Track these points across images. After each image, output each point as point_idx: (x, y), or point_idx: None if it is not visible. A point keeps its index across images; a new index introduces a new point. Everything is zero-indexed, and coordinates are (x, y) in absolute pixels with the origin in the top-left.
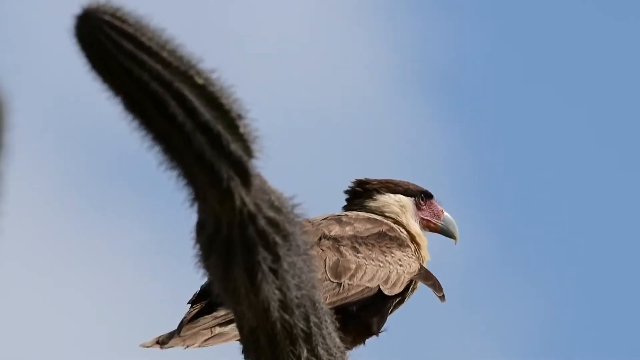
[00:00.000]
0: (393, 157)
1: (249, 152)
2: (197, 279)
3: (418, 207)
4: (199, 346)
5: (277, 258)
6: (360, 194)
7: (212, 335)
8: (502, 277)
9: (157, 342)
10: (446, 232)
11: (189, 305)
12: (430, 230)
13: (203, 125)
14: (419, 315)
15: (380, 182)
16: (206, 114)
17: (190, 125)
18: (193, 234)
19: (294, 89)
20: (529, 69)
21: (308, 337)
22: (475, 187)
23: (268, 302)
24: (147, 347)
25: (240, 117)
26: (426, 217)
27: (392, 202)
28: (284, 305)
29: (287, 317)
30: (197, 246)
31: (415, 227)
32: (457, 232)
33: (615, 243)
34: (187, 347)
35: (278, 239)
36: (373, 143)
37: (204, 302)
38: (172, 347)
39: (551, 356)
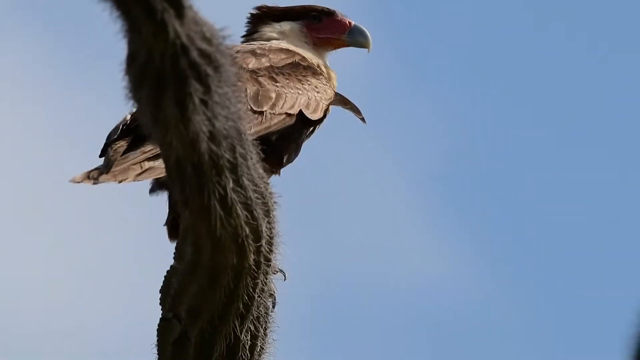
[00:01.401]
0: None
1: None
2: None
3: (311, 28)
4: (133, 181)
5: (208, 90)
6: (253, 25)
7: (143, 170)
8: (403, 94)
9: (88, 177)
10: (355, 44)
11: (112, 141)
12: (338, 47)
13: None
14: (324, 143)
15: (266, 10)
16: None
17: None
18: (123, 66)
19: None
20: None
21: (234, 168)
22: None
23: (197, 133)
24: (78, 182)
25: None
26: (325, 36)
27: (269, 30)
28: (212, 136)
29: (214, 148)
30: (127, 78)
31: (304, 52)
32: (368, 41)
33: (515, 57)
34: (120, 182)
35: (209, 71)
36: None
37: (128, 138)
38: (103, 182)
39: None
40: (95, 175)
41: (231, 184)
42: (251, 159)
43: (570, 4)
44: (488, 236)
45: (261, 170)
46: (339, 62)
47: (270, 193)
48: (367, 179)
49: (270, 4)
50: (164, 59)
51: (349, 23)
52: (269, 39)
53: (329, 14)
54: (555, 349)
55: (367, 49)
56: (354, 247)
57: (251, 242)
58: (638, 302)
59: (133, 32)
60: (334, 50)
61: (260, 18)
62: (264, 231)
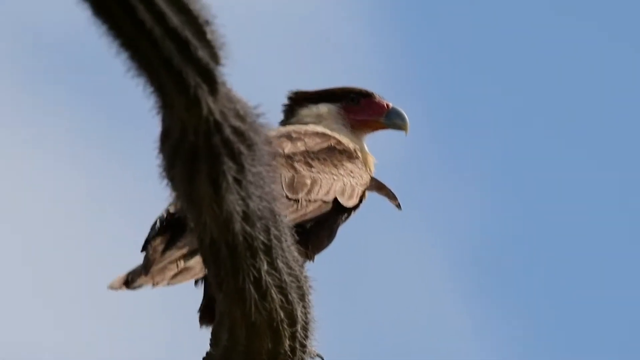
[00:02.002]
0: (324, 50)
1: (216, 59)
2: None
3: (348, 110)
4: (168, 284)
5: (241, 168)
6: (290, 109)
7: (179, 270)
8: (439, 175)
9: (125, 283)
10: (393, 126)
11: (150, 239)
12: (376, 129)
13: (171, 31)
14: (361, 223)
15: (303, 93)
16: (174, 19)
17: (158, 30)
18: (157, 143)
19: None
20: None
21: (268, 250)
22: (410, 81)
23: (231, 213)
24: (116, 289)
25: (208, 22)
26: (362, 118)
27: (307, 113)
28: (246, 217)
29: (248, 228)
30: (161, 156)
31: (343, 138)
32: (405, 123)
33: (555, 143)
34: (156, 285)
35: (243, 149)
36: (301, 36)
37: (166, 235)
38: (141, 286)
39: (490, 260)
40: (133, 279)
41: (265, 267)
42: (285, 241)
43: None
44: (524, 317)
45: (296, 254)
46: (377, 144)
47: (305, 277)
48: (404, 261)
49: (306, 88)
50: (197, 135)
51: (387, 105)
52: (306, 122)
53: (366, 95)
54: None
55: (404, 132)
56: (392, 328)
57: (286, 326)
58: None
59: (166, 108)
60: (372, 133)
61: (297, 101)
62: (299, 316)
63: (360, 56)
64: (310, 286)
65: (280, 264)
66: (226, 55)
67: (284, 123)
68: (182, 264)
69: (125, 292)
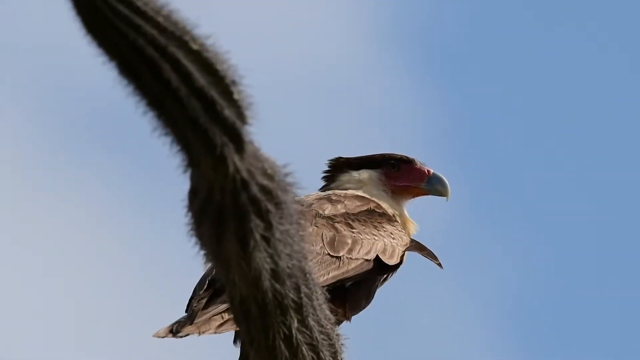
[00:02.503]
0: (366, 115)
1: (242, 119)
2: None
3: (389, 176)
4: (214, 332)
5: (269, 226)
6: (330, 174)
7: (224, 320)
8: (478, 240)
9: (171, 332)
10: (434, 192)
11: (195, 290)
12: (417, 195)
13: (197, 90)
14: (398, 288)
15: (343, 160)
16: (201, 79)
17: (184, 90)
18: (185, 202)
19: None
20: (508, 26)
21: (299, 308)
22: (449, 146)
23: (259, 270)
24: (162, 337)
25: (234, 83)
26: (403, 184)
27: (347, 179)
28: (275, 275)
29: (278, 286)
30: (189, 214)
31: (383, 203)
32: (447, 189)
33: (591, 204)
34: (202, 334)
35: (270, 207)
36: (351, 103)
37: (212, 289)
38: (186, 335)
39: (528, 320)
40: (178, 329)
41: (296, 324)
42: (317, 299)
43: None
44: None
45: (328, 312)
46: (418, 209)
47: (338, 335)
48: (443, 321)
49: (346, 154)
50: (224, 193)
51: (428, 171)
52: (346, 188)
53: (407, 162)
54: None
55: (445, 197)
56: None
57: None
58: None
59: (193, 167)
60: (413, 199)
61: (338, 167)
62: None
63: (396, 115)
64: (342, 344)
65: (312, 322)
66: (253, 115)
67: (324, 189)
68: (226, 315)
69: (171, 342)
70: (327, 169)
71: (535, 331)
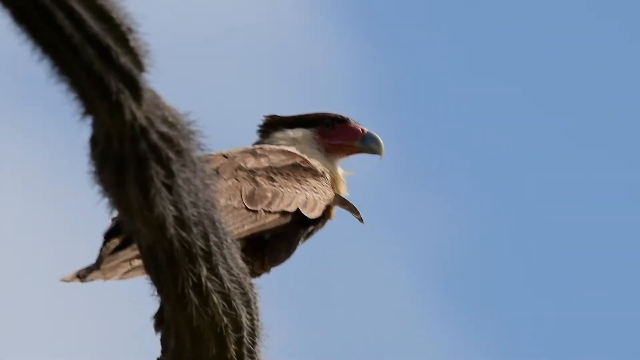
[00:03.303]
0: (297, 72)
1: (139, 66)
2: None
3: (324, 134)
4: (120, 278)
5: (170, 173)
6: (264, 131)
7: (132, 267)
8: (412, 193)
9: (78, 277)
10: (368, 150)
11: (105, 237)
12: (351, 154)
13: (91, 37)
14: (331, 242)
15: (278, 117)
16: (95, 26)
17: (78, 37)
18: (87, 149)
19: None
20: None
21: (208, 256)
22: (381, 101)
23: (163, 218)
24: (68, 281)
25: (130, 30)
26: (337, 143)
27: (282, 136)
28: (181, 222)
29: (184, 234)
30: (91, 161)
31: (314, 161)
32: (380, 147)
33: (528, 154)
34: (108, 280)
35: (171, 155)
36: (277, 58)
37: (121, 236)
38: (92, 280)
39: (465, 270)
40: (84, 274)
41: (205, 272)
42: (227, 248)
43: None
44: (495, 327)
45: (240, 261)
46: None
47: (251, 284)
48: (373, 273)
49: (282, 113)
50: (122, 141)
51: (362, 130)
52: (279, 145)
53: (341, 121)
54: None
55: (379, 156)
56: (360, 339)
57: (231, 332)
58: None
59: (90, 114)
60: (347, 157)
61: (273, 125)
62: (244, 322)
63: (328, 72)
64: (256, 294)
65: (222, 271)
66: (151, 63)
67: (257, 144)
68: (135, 262)
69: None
70: (262, 125)
71: (462, 279)
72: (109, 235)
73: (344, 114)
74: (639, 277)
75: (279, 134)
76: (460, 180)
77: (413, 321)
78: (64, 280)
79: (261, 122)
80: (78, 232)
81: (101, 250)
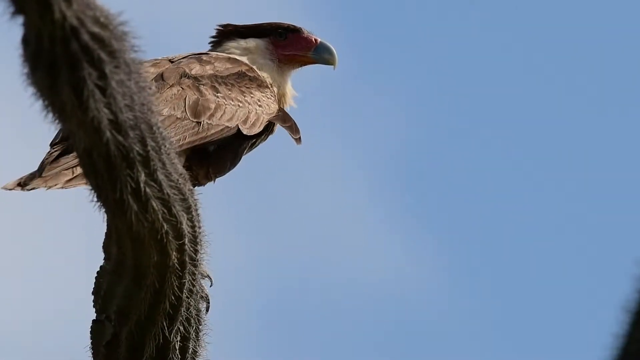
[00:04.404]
0: None
1: None
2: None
3: (277, 45)
4: (62, 187)
5: (103, 75)
6: (216, 40)
7: (74, 175)
8: (358, 91)
9: (19, 184)
10: (321, 61)
11: (50, 146)
12: (304, 64)
13: None
14: (279, 152)
15: (232, 27)
16: None
17: None
18: (19, 50)
19: None
20: None
21: (146, 161)
22: (332, 12)
23: (98, 120)
24: (9, 189)
25: None
26: (290, 53)
27: (234, 46)
28: (116, 126)
29: (120, 138)
30: (24, 63)
31: (265, 71)
32: (334, 58)
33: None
34: (49, 188)
35: (104, 56)
36: None
37: (64, 144)
38: (34, 188)
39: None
40: (26, 182)
41: (144, 177)
42: (167, 154)
43: None
44: (446, 229)
45: (179, 167)
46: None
47: (191, 190)
48: (325, 175)
49: (236, 22)
50: (53, 42)
51: (315, 40)
52: (225, 51)
53: (294, 31)
54: (510, 347)
55: (333, 66)
56: (313, 242)
57: (172, 239)
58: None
59: (20, 14)
60: (300, 68)
61: (226, 35)
62: (185, 229)
63: None
64: (197, 200)
65: (161, 176)
66: None
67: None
68: (76, 170)
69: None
70: (215, 35)
71: (413, 179)
72: (54, 144)
73: (297, 24)
74: None
75: (231, 44)
76: (411, 81)
77: (366, 223)
78: (4, 188)
79: (214, 32)
80: (21, 138)
81: (44, 157)
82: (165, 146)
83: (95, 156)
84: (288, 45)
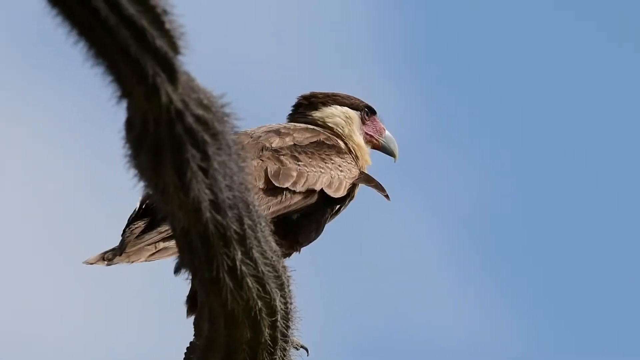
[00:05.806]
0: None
1: (175, 49)
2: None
3: (363, 121)
4: (145, 261)
5: (206, 156)
6: (306, 106)
7: (157, 250)
8: (435, 151)
9: (102, 259)
10: (387, 150)
11: (131, 221)
12: (372, 147)
13: (127, 19)
14: (360, 213)
15: (327, 95)
16: (130, 8)
17: (113, 19)
18: (122, 133)
19: None
20: None
21: (242, 240)
22: (404, 54)
23: (199, 201)
24: (91, 264)
25: (165, 12)
26: (369, 132)
27: (338, 113)
28: (216, 206)
29: (219, 218)
30: (127, 145)
31: (359, 139)
32: (397, 150)
33: (552, 109)
34: (132, 262)
35: (207, 137)
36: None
37: (146, 219)
38: (117, 264)
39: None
40: (109, 257)
41: (240, 256)
42: (261, 231)
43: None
44: (524, 290)
45: (273, 244)
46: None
47: (284, 267)
48: (403, 237)
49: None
50: (158, 124)
51: (383, 129)
52: (332, 120)
53: (374, 112)
54: None
55: (395, 158)
56: (390, 301)
57: (265, 316)
58: None
59: (126, 97)
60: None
61: (322, 101)
62: (278, 305)
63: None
64: (289, 276)
65: (256, 254)
66: (186, 45)
67: (301, 117)
68: (160, 245)
69: (104, 269)
70: (304, 100)
71: (491, 240)
72: (133, 219)
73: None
74: None
75: (330, 110)
76: (485, 139)
77: (440, 278)
78: (87, 263)
79: (301, 99)
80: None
81: (124, 233)
82: (261, 224)
83: (193, 235)
84: (369, 125)
